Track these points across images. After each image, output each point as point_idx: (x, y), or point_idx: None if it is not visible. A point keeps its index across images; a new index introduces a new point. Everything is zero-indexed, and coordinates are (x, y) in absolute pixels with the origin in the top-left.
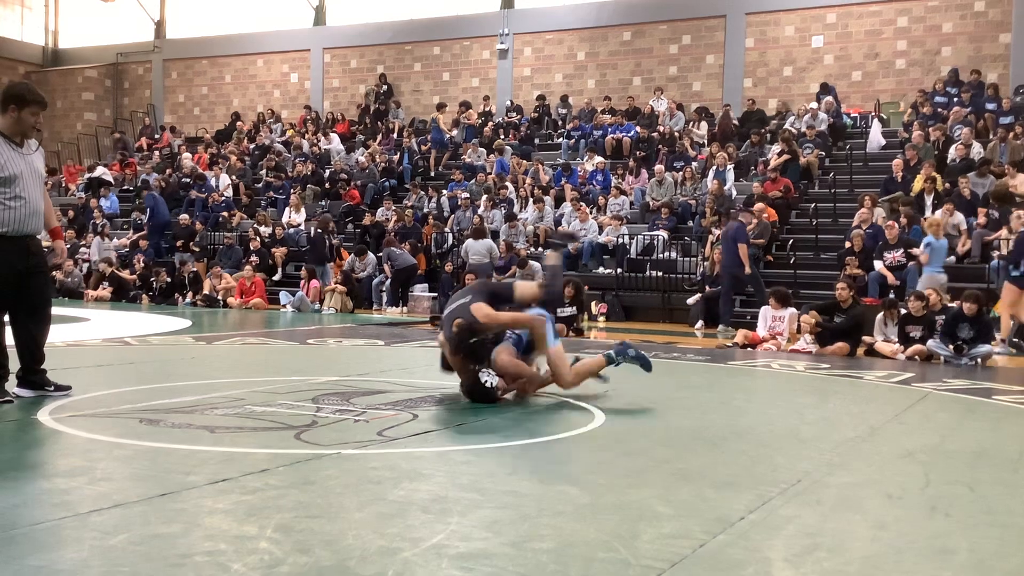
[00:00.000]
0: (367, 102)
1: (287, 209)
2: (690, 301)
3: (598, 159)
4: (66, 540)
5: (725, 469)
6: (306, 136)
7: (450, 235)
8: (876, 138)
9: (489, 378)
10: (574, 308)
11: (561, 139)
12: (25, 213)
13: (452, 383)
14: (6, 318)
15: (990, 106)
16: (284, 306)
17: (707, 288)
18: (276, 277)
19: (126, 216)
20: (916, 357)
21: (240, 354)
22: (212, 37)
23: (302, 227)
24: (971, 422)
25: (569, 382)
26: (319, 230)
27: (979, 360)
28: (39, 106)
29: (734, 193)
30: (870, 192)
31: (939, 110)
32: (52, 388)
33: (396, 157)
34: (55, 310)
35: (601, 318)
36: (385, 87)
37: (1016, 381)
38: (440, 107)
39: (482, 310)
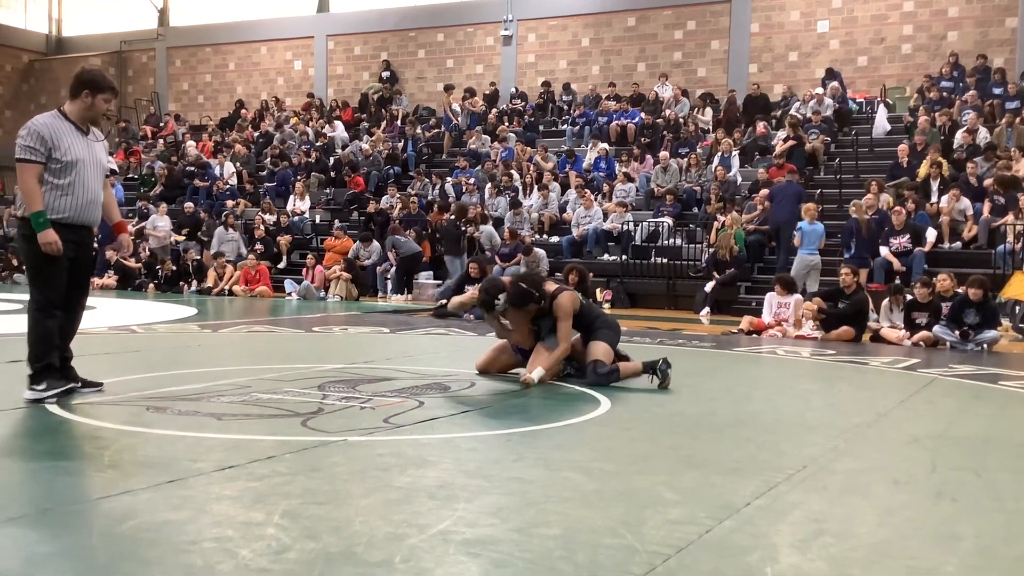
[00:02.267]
0: (369, 93)
1: (292, 197)
2: (708, 288)
3: (602, 146)
4: (74, 527)
5: (731, 455)
6: (310, 124)
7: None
8: (882, 123)
9: (500, 306)
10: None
11: (566, 126)
12: (83, 201)
13: (457, 370)
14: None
15: (997, 91)
16: (289, 294)
17: (715, 275)
18: (281, 265)
19: (131, 204)
20: (922, 343)
21: (246, 342)
22: (215, 24)
23: (307, 215)
24: (977, 408)
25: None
26: (452, 217)
27: (985, 346)
28: (112, 93)
29: (739, 179)
30: (877, 177)
31: (944, 95)
32: (80, 384)
33: (400, 144)
34: None
35: (606, 305)
36: (388, 73)
37: (1023, 367)
38: (448, 88)
39: (572, 297)
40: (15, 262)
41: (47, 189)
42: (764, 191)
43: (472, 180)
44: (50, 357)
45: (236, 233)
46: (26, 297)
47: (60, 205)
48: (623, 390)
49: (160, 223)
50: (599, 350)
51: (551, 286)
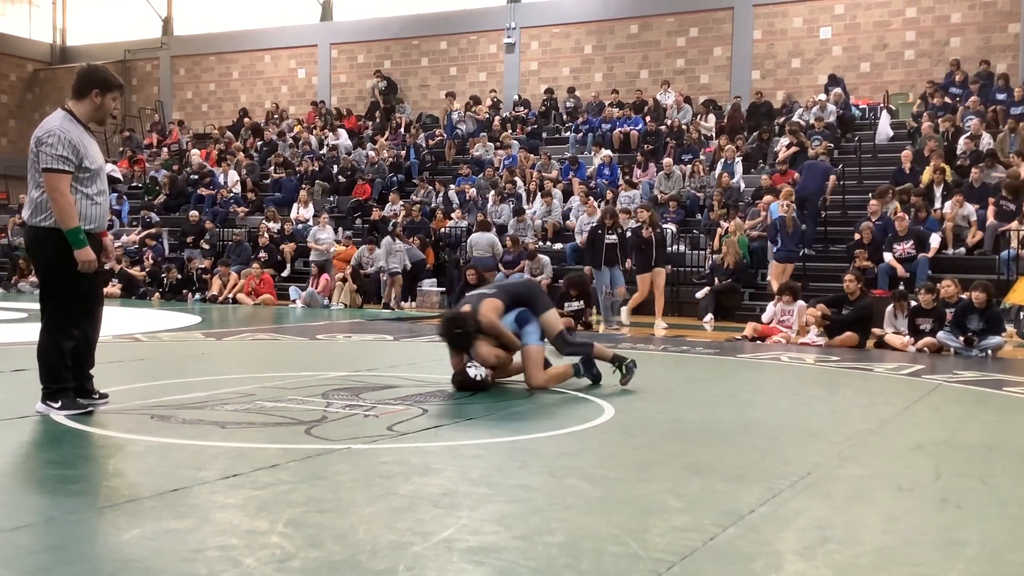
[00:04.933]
0: (373, 98)
1: (296, 205)
2: (699, 295)
3: (605, 152)
4: (78, 536)
5: (735, 462)
6: (314, 132)
7: (463, 229)
8: (885, 129)
9: (476, 371)
10: (581, 302)
11: (568, 133)
12: (106, 208)
13: None
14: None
15: (1000, 96)
16: (293, 302)
17: (716, 281)
18: (285, 273)
19: (135, 213)
20: (926, 349)
21: (250, 350)
22: (219, 33)
23: (310, 222)
24: (982, 414)
25: (538, 383)
26: (642, 223)
27: (989, 352)
28: (120, 91)
29: (742, 186)
30: (888, 185)
31: (948, 101)
32: (97, 396)
33: (403, 152)
34: None
35: None
36: (385, 83)
37: None
38: (449, 95)
39: (490, 306)
40: (23, 268)
41: (77, 199)
42: (767, 197)
43: (474, 188)
44: (65, 380)
45: (403, 244)
46: (31, 305)
47: (91, 215)
48: (626, 397)
49: (322, 235)
50: (558, 322)
51: (468, 308)
